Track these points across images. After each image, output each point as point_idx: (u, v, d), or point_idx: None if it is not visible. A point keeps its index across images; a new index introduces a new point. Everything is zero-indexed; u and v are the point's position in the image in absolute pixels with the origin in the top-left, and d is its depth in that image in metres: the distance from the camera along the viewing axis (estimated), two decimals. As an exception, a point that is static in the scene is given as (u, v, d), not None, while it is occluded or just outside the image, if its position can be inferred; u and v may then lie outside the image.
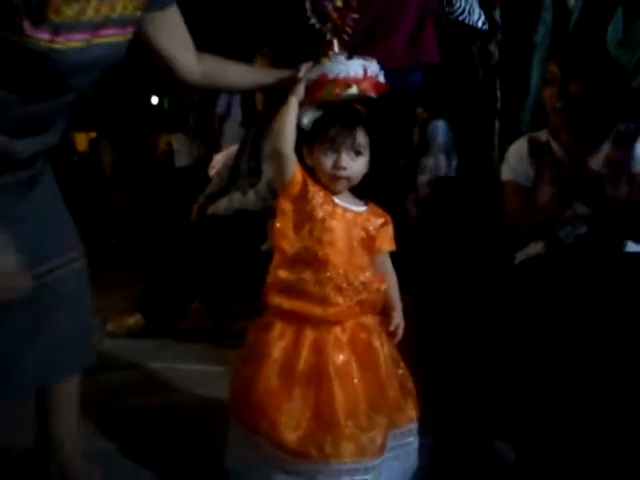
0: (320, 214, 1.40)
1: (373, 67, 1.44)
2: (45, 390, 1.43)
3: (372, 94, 1.43)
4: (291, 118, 1.40)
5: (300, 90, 1.41)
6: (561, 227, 1.80)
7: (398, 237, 1.50)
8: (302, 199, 1.41)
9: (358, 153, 1.40)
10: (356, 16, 1.47)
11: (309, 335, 1.39)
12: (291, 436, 1.35)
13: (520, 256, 1.90)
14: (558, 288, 1.65)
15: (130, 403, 2.02)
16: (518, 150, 1.92)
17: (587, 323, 1.60)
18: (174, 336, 2.64)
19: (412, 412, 1.47)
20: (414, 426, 1.48)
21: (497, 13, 2.66)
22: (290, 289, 1.41)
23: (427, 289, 2.45)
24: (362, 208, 1.45)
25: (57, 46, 1.14)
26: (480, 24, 2.75)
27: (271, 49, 2.88)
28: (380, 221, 1.46)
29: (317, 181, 1.43)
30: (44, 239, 1.34)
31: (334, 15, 1.45)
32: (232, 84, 1.57)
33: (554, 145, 1.87)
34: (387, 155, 2.75)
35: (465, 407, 1.88)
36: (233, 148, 2.98)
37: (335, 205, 1.41)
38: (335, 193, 1.43)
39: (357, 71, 1.40)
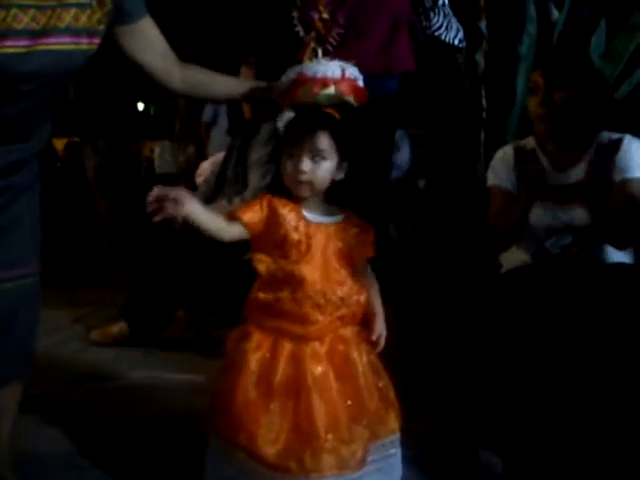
0: (295, 237, 1.39)
1: (352, 70, 1.44)
2: None
3: (350, 98, 1.42)
4: (202, 221, 1.37)
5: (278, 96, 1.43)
6: (546, 238, 1.81)
7: (381, 247, 1.50)
8: (274, 224, 1.40)
9: (320, 157, 1.38)
10: (341, 31, 1.49)
11: (287, 347, 1.37)
12: (270, 450, 1.32)
13: (505, 263, 1.91)
14: (544, 298, 1.66)
15: (113, 412, 2.00)
16: (504, 157, 1.93)
17: (573, 333, 1.61)
18: (158, 345, 2.62)
19: (394, 423, 1.45)
20: (396, 437, 1.46)
21: (483, 24, 2.68)
22: (269, 308, 1.40)
23: (410, 299, 2.45)
24: (337, 218, 1.44)
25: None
26: (457, 42, 2.77)
27: (257, 58, 2.89)
28: (357, 230, 1.45)
29: (286, 196, 1.42)
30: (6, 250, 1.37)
31: (319, 25, 1.47)
32: (215, 95, 1.59)
33: (540, 154, 1.88)
34: (370, 165, 2.77)
35: (450, 418, 1.88)
36: (220, 156, 2.96)
37: (308, 223, 1.40)
38: (300, 198, 1.41)
39: (335, 71, 1.40)
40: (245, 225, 1.40)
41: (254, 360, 1.37)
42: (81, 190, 5.32)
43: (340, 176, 1.43)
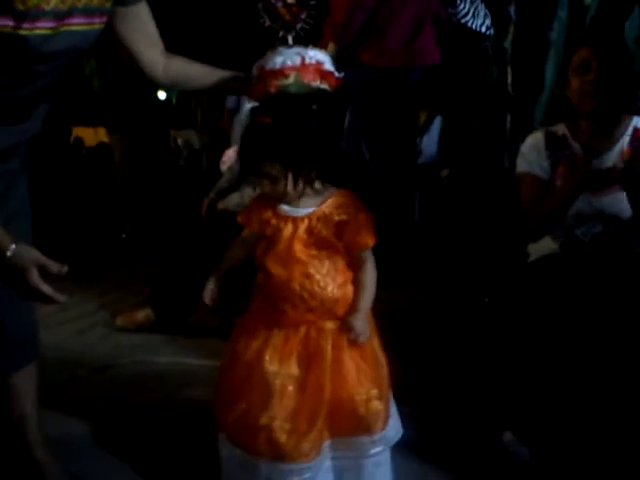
0: (268, 231, 1.41)
1: (312, 53, 1.37)
2: None
3: (319, 83, 1.37)
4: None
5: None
6: (577, 226, 1.78)
7: (407, 236, 1.47)
8: (260, 221, 1.43)
9: (272, 180, 1.36)
10: (312, 13, 1.45)
11: (262, 329, 1.41)
12: (227, 418, 1.39)
13: (534, 251, 1.88)
14: (572, 288, 1.63)
15: (138, 397, 2.02)
16: (534, 143, 1.89)
17: (600, 323, 1.59)
18: (183, 331, 2.63)
19: (370, 423, 1.40)
20: (372, 438, 1.41)
21: (512, 9, 2.63)
22: (258, 291, 1.46)
23: (437, 287, 2.44)
24: (312, 209, 1.39)
25: (22, 33, 1.17)
26: (484, 29, 2.74)
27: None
28: (338, 219, 1.38)
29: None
30: None
31: (283, 11, 1.43)
32: (195, 85, 1.56)
33: (571, 139, 1.85)
34: (391, 158, 2.75)
35: (476, 406, 1.87)
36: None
37: (279, 216, 1.41)
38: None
39: (294, 59, 1.35)
40: (246, 229, 1.47)
41: (239, 338, 1.44)
42: (106, 177, 5.36)
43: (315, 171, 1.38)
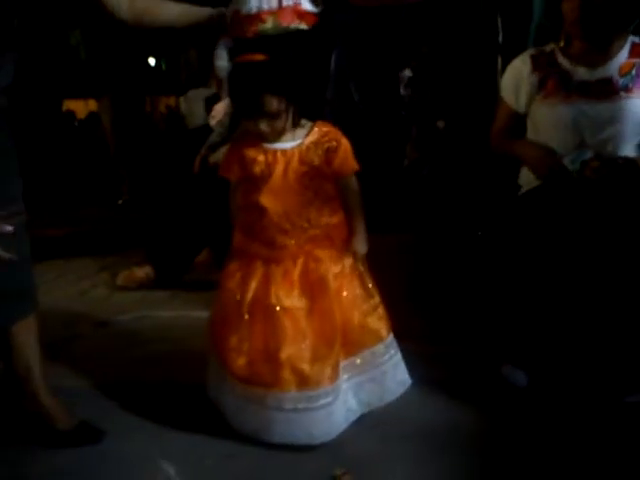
0: (257, 169, 1.42)
1: None
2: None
3: (296, 24, 1.37)
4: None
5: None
6: (566, 153, 1.78)
7: (401, 183, 1.49)
8: (243, 165, 1.44)
9: (273, 116, 1.37)
10: None
11: (259, 268, 1.43)
12: (238, 363, 1.41)
13: (524, 183, 1.88)
14: (562, 217, 1.65)
15: (140, 350, 2.05)
16: (518, 66, 1.89)
17: (591, 250, 1.60)
18: (183, 287, 2.66)
19: (383, 331, 1.48)
20: (384, 344, 1.49)
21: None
22: (245, 231, 1.47)
23: (430, 225, 2.45)
24: (298, 141, 1.42)
25: None
26: None
27: None
28: (327, 146, 1.43)
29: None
30: None
31: None
32: (163, 21, 1.52)
33: (560, 56, 1.83)
34: (380, 96, 2.72)
35: (473, 336, 1.89)
36: (233, 97, 2.94)
37: (267, 152, 1.42)
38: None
39: (270, 2, 1.35)
40: (229, 179, 1.48)
41: (232, 281, 1.46)
42: (100, 146, 5.34)
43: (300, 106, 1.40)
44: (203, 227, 2.64)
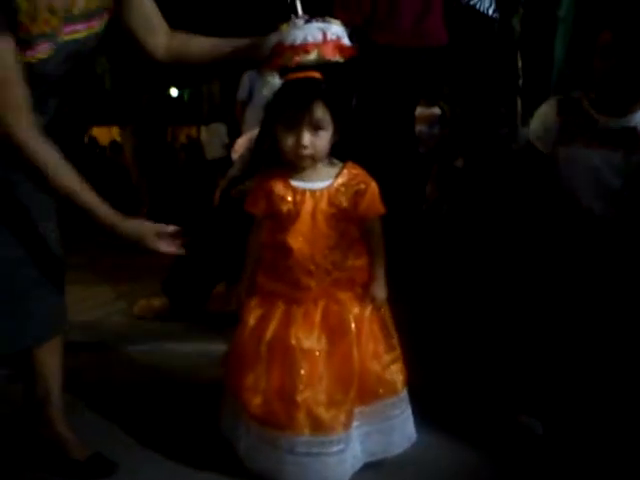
0: (284, 208, 1.41)
1: (334, 29, 1.38)
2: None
3: (336, 58, 1.38)
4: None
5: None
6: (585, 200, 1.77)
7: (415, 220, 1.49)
8: (270, 201, 1.43)
9: (319, 128, 1.37)
10: None
11: (280, 308, 1.43)
12: (253, 402, 1.40)
13: None
14: (575, 264, 1.66)
15: (155, 381, 2.05)
16: (547, 110, 1.90)
17: (605, 295, 1.61)
18: (200, 319, 2.66)
19: (398, 385, 1.47)
20: (399, 399, 1.48)
21: (520, -13, 2.63)
22: (268, 270, 1.46)
23: (446, 270, 2.44)
24: (328, 182, 1.42)
25: (26, 59, 1.24)
26: (491, 12, 2.71)
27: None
28: (355, 189, 1.42)
29: (277, 164, 1.42)
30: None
31: None
32: (198, 58, 1.55)
33: (585, 103, 1.84)
34: (396, 139, 2.75)
35: (490, 384, 1.87)
36: (254, 132, 2.97)
37: (295, 191, 1.41)
38: (301, 169, 1.42)
39: (315, 35, 1.35)
40: (254, 214, 1.47)
41: (252, 317, 1.45)
42: (121, 172, 5.42)
43: (337, 138, 1.41)
44: (221, 260, 2.65)
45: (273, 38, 1.40)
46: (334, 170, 1.44)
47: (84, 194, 1.30)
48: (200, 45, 1.53)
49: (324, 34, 1.36)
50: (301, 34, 1.36)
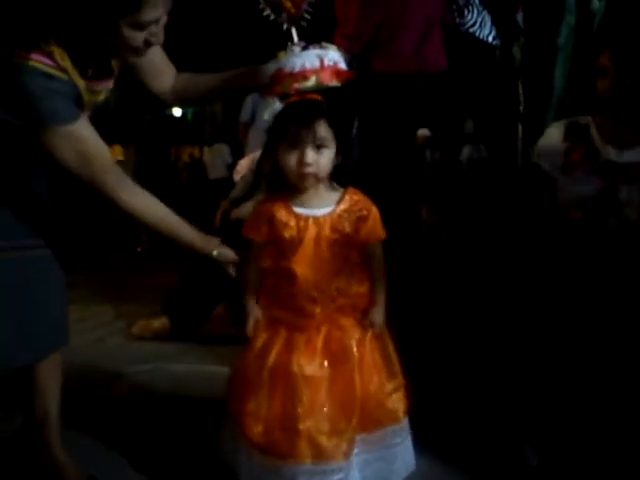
0: (287, 235, 1.40)
1: (331, 55, 1.40)
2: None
3: (334, 83, 1.40)
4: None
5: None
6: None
7: (414, 244, 1.49)
8: (272, 228, 1.43)
9: (321, 147, 1.37)
10: (313, 1, 1.46)
11: (282, 334, 1.42)
12: (255, 430, 1.38)
13: None
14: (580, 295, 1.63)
15: (154, 404, 2.04)
16: (554, 133, 1.88)
17: (610, 327, 1.59)
18: (199, 340, 2.66)
19: (399, 413, 1.46)
20: (400, 427, 1.47)
21: (520, 16, 2.66)
22: (272, 301, 1.46)
23: (446, 295, 2.44)
24: (330, 208, 1.42)
25: None
26: (491, 39, 2.75)
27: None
28: (357, 215, 1.42)
29: (280, 189, 1.43)
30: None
31: (287, 4, 1.44)
32: (201, 94, 1.62)
33: (593, 130, 1.82)
34: (396, 164, 2.78)
35: (486, 412, 1.86)
36: (257, 153, 3.00)
37: (298, 217, 1.41)
38: (304, 190, 1.42)
39: (313, 62, 1.38)
40: (254, 242, 1.47)
41: (259, 341, 1.44)
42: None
43: (339, 161, 1.42)
44: (221, 281, 2.65)
45: (272, 66, 1.42)
46: (335, 195, 1.44)
47: (183, 232, 1.47)
48: (205, 83, 1.57)
49: (321, 60, 1.39)
50: (299, 61, 1.38)
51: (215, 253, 1.53)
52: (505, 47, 2.74)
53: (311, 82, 1.38)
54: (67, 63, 1.27)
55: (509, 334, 1.76)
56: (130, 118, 5.15)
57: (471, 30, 2.79)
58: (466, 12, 2.79)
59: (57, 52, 1.26)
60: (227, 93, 1.61)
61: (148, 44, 1.28)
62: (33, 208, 1.44)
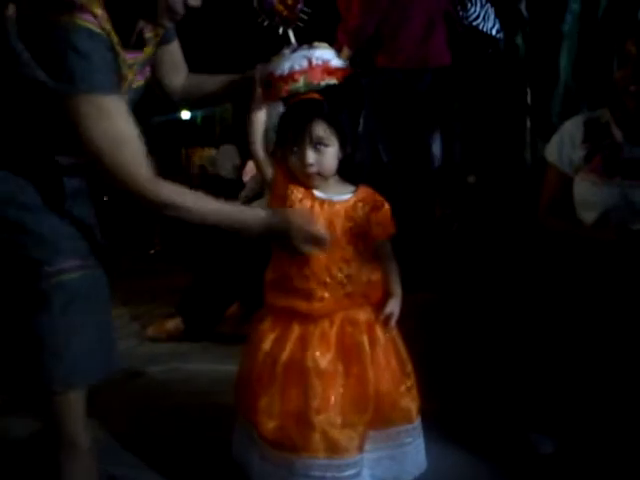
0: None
1: (318, 54, 1.41)
2: None
3: (326, 81, 1.41)
4: (255, 128, 1.45)
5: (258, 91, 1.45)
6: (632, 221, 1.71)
7: (426, 238, 1.49)
8: (284, 198, 1.42)
9: (321, 146, 1.39)
10: (304, 8, 1.47)
11: (296, 329, 1.41)
12: (268, 426, 1.38)
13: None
14: (593, 283, 1.61)
15: (169, 403, 2.06)
16: (571, 132, 1.81)
17: (623, 317, 1.57)
18: (213, 340, 2.67)
19: (411, 412, 1.45)
20: (412, 427, 1.47)
21: (523, 6, 2.65)
22: (280, 285, 1.44)
23: (456, 287, 2.44)
24: (346, 196, 1.43)
25: None
26: (494, 32, 2.75)
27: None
28: (369, 207, 1.44)
29: (297, 179, 1.44)
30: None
31: (280, 8, 1.46)
32: (205, 94, 1.62)
33: (614, 126, 1.77)
34: (407, 158, 2.78)
35: (499, 402, 1.86)
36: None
37: (314, 199, 1.42)
38: (315, 186, 1.43)
39: (301, 63, 1.39)
40: (275, 173, 1.46)
41: (268, 341, 1.43)
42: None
43: (347, 152, 1.43)
44: (234, 280, 2.67)
45: (263, 70, 1.45)
46: (349, 188, 1.46)
47: (227, 211, 1.34)
48: (213, 84, 1.59)
49: (309, 60, 1.40)
50: (287, 64, 1.40)
51: (276, 224, 1.35)
52: (509, 37, 2.73)
53: (300, 83, 1.40)
54: (110, 28, 1.26)
55: (521, 325, 1.75)
56: (139, 122, 5.18)
57: (475, 23, 2.79)
58: (469, 5, 2.79)
59: (103, 16, 1.24)
60: (227, 98, 1.62)
61: (187, 6, 1.28)
62: (91, 228, 1.48)
